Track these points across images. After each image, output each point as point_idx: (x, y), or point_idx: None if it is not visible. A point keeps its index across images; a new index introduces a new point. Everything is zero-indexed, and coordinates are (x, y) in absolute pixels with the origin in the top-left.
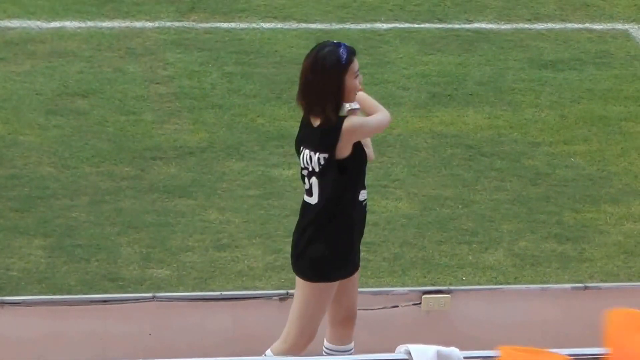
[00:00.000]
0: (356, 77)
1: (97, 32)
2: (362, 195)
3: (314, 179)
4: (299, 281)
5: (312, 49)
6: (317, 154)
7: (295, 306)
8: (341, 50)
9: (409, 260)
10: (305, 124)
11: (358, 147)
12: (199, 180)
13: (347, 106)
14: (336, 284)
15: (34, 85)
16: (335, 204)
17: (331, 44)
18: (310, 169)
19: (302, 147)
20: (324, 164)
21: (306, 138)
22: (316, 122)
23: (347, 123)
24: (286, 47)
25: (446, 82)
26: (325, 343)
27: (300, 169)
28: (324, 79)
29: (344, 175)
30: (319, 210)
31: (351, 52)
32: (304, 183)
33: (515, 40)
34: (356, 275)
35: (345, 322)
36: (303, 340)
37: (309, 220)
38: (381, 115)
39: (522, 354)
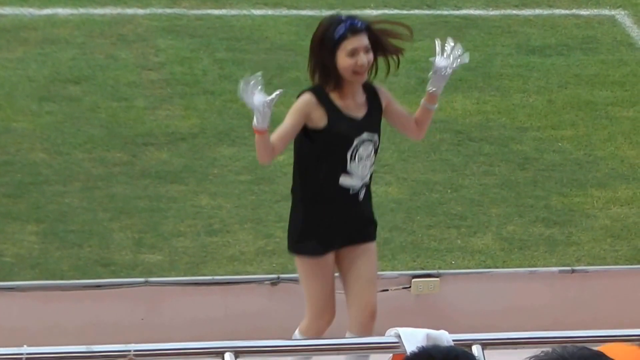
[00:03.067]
0: (351, 55)
1: (89, 19)
2: (345, 180)
3: None
4: None
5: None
6: None
7: None
8: (340, 26)
9: (399, 245)
10: None
11: (335, 128)
12: (191, 166)
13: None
14: (318, 260)
15: (26, 72)
16: (301, 174)
17: (338, 17)
18: None
19: None
20: None
21: None
22: None
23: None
24: (277, 33)
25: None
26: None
27: None
28: (313, 49)
29: (312, 144)
30: (293, 177)
31: (350, 30)
32: None
33: (503, 26)
34: (361, 264)
35: (359, 314)
36: (316, 319)
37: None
38: None
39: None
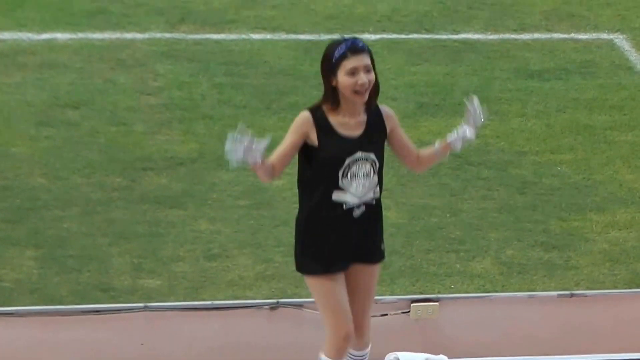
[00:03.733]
0: (351, 74)
1: (88, 43)
2: (337, 196)
3: None
4: None
5: None
6: None
7: None
8: (341, 45)
9: (398, 269)
10: None
11: (325, 146)
12: (190, 191)
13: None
14: (320, 278)
15: (24, 97)
16: (301, 191)
17: (340, 38)
18: None
19: None
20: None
21: None
22: None
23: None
24: (275, 57)
25: (434, 92)
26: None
27: None
28: (321, 71)
29: (309, 164)
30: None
31: (350, 49)
32: None
33: (502, 51)
34: (365, 280)
35: (355, 328)
36: (333, 337)
37: None
38: None
39: None
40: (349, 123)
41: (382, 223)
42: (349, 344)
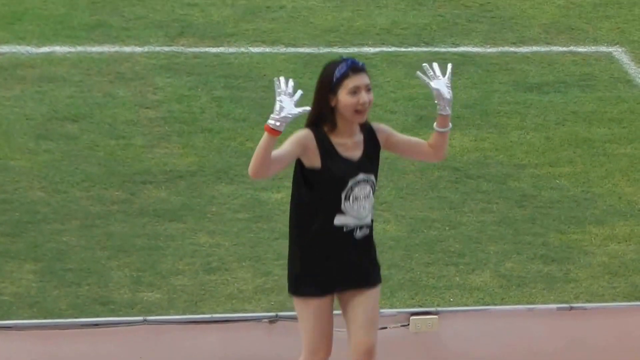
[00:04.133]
0: (353, 93)
1: (87, 56)
2: (339, 220)
3: None
4: None
5: None
6: None
7: None
8: (342, 64)
9: (397, 282)
10: None
11: (328, 168)
12: (189, 204)
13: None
14: (313, 301)
15: (23, 110)
16: (299, 216)
17: (340, 59)
18: None
19: None
20: (295, 163)
21: None
22: None
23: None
24: (275, 71)
25: (433, 105)
26: None
27: None
28: (317, 92)
29: (308, 186)
30: (290, 218)
31: (351, 68)
32: None
33: (501, 64)
34: (369, 302)
35: (353, 354)
36: (310, 356)
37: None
38: None
39: None
40: (347, 144)
41: (374, 244)
42: None
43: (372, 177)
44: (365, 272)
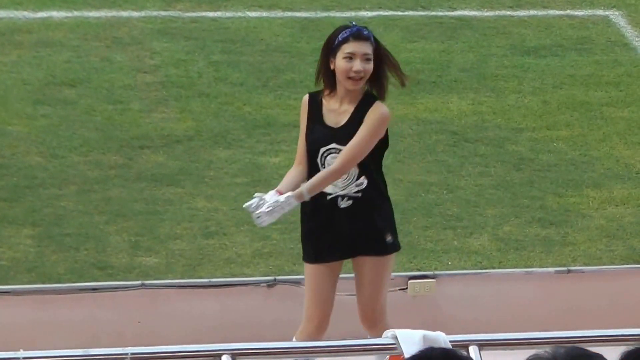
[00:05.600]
0: (348, 59)
1: (84, 21)
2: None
3: None
4: None
5: None
6: None
7: None
8: (346, 30)
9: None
10: None
11: (308, 134)
12: (187, 169)
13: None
14: (309, 267)
15: (21, 75)
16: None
17: (347, 24)
18: None
19: None
20: None
21: None
22: None
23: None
24: (272, 35)
25: (430, 69)
26: None
27: None
28: (321, 52)
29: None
30: None
31: (353, 34)
32: None
33: (498, 27)
34: (364, 272)
35: (362, 320)
36: (306, 322)
37: None
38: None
39: None
40: (337, 110)
41: (382, 216)
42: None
43: None
44: (362, 241)
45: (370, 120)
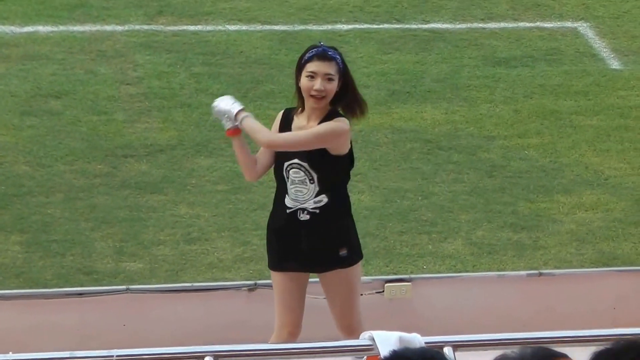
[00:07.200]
0: (310, 77)
1: (69, 35)
2: (287, 200)
3: None
4: None
5: None
6: None
7: None
8: (312, 50)
9: (372, 251)
10: None
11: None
12: (169, 177)
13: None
14: (275, 275)
15: (8, 87)
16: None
17: (316, 44)
18: None
19: None
20: None
21: None
22: None
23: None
24: (251, 48)
25: (404, 79)
26: None
27: None
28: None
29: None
30: None
31: (318, 54)
32: None
33: (470, 39)
34: (328, 288)
35: (340, 331)
36: (278, 329)
37: None
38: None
39: None
40: (305, 127)
41: (339, 232)
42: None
43: (306, 165)
44: (317, 257)
45: (321, 126)
